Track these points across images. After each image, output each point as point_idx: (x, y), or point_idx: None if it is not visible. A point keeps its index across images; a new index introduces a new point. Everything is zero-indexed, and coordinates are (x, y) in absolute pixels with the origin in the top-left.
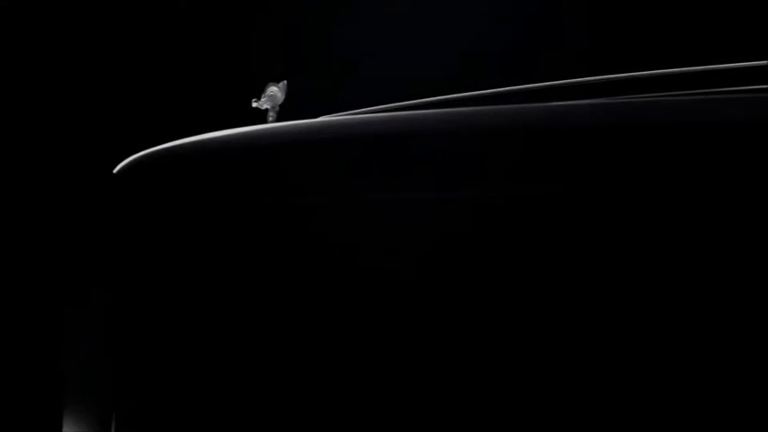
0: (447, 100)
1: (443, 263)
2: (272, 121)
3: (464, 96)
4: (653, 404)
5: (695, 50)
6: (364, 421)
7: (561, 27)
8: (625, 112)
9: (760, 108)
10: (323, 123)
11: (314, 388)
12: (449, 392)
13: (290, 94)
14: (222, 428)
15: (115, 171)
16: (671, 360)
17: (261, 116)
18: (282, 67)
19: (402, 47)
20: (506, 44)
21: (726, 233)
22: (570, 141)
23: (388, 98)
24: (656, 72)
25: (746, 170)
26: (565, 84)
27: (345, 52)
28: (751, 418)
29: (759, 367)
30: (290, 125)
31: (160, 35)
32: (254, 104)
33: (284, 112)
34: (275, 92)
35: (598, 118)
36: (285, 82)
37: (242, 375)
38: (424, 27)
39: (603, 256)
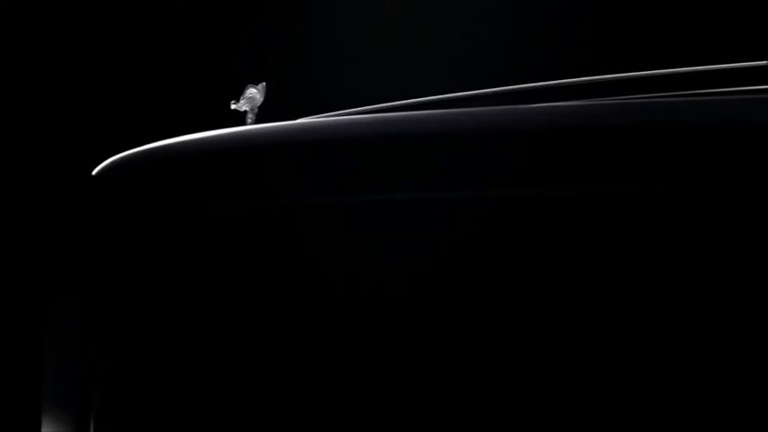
0: (429, 101)
1: (427, 265)
2: (250, 123)
3: (448, 98)
4: (674, 410)
5: (695, 50)
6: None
7: (545, 27)
8: (623, 113)
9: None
10: (302, 125)
11: (291, 392)
12: (439, 402)
13: (268, 95)
14: (201, 428)
15: (94, 173)
16: (690, 360)
17: (239, 118)
18: (262, 69)
19: (383, 49)
20: (485, 45)
21: (729, 235)
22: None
23: (368, 100)
24: (655, 72)
25: (748, 171)
26: (558, 84)
27: (326, 54)
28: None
29: None
30: (269, 127)
31: (138, 38)
32: (233, 106)
33: (263, 114)
34: (254, 94)
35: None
36: (264, 84)
37: (219, 377)
38: (405, 28)
39: (597, 258)
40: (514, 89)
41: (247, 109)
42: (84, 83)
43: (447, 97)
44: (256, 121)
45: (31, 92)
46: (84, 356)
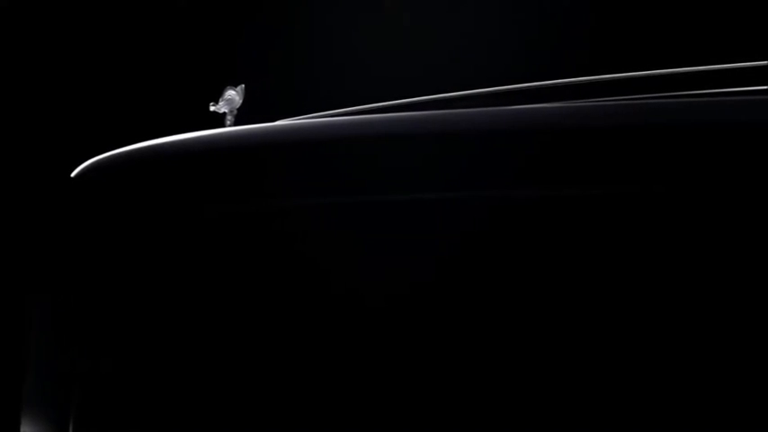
0: (409, 103)
1: (425, 267)
2: (229, 125)
3: (430, 99)
4: (677, 410)
5: (695, 50)
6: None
7: (543, 27)
8: (621, 113)
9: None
10: (281, 127)
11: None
12: (440, 405)
13: (247, 97)
14: (182, 429)
15: (73, 174)
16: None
17: (218, 120)
18: (240, 70)
19: (363, 50)
20: (469, 44)
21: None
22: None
23: (348, 101)
24: (654, 72)
25: (749, 171)
26: (554, 84)
27: (305, 55)
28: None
29: None
30: (248, 129)
31: (118, 40)
32: (212, 108)
33: (242, 116)
34: (233, 95)
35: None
36: (243, 86)
37: (202, 378)
38: (384, 29)
39: (598, 260)
40: (507, 89)
41: (226, 111)
42: (61, 85)
43: (437, 98)
44: (235, 123)
45: (10, 93)
46: (63, 357)
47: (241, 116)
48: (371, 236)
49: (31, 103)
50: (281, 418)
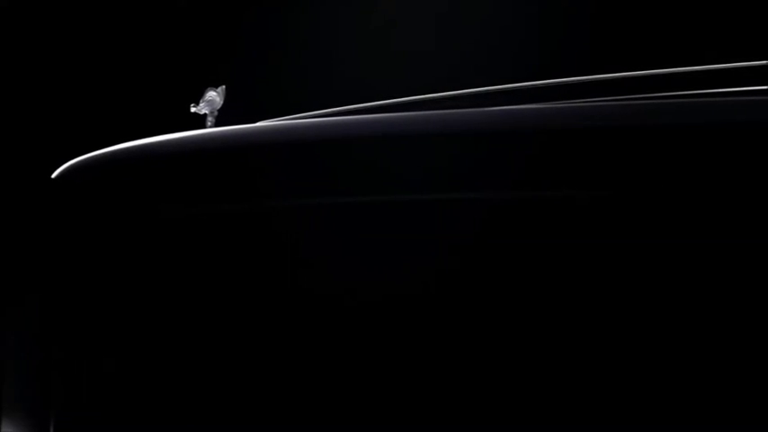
0: (390, 104)
1: (402, 270)
2: (210, 126)
3: (411, 100)
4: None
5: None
6: None
7: (536, 27)
8: (616, 115)
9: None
10: (261, 128)
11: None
12: (434, 407)
13: (228, 98)
14: (159, 426)
15: (53, 176)
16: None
17: (199, 121)
18: (221, 71)
19: (343, 52)
20: (448, 46)
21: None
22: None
23: (328, 103)
24: (654, 72)
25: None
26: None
27: (285, 57)
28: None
29: None
30: (229, 130)
31: (99, 38)
32: (193, 109)
33: (222, 117)
34: (214, 96)
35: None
36: (224, 86)
37: (181, 378)
38: (364, 31)
39: (594, 262)
40: (496, 89)
41: (207, 112)
42: (43, 85)
43: (424, 98)
44: (216, 124)
45: None
46: (43, 357)
47: (222, 117)
48: (357, 237)
49: (10, 104)
50: (263, 419)
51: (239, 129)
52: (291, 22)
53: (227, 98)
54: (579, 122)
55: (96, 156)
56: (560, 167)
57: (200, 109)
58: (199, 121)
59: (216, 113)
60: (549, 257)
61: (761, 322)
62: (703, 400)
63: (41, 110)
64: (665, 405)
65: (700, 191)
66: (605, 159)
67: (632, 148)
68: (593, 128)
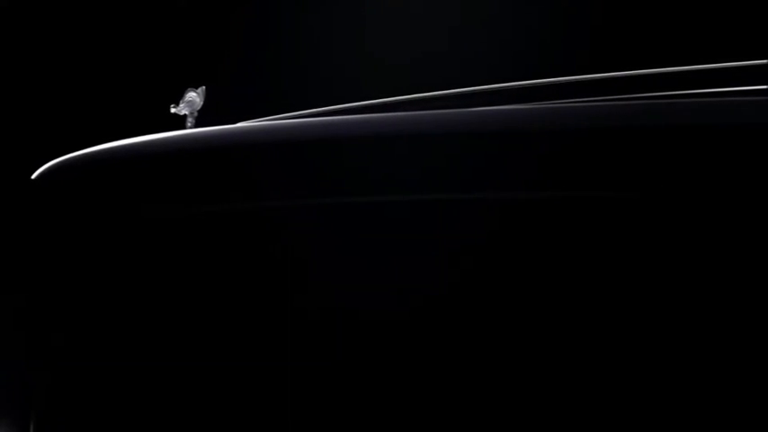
0: (368, 105)
1: (380, 270)
2: (190, 127)
3: (389, 101)
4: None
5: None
6: None
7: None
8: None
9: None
10: (241, 129)
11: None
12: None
13: (208, 99)
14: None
15: (33, 177)
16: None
17: (179, 122)
18: (201, 72)
19: (321, 54)
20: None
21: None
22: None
23: (308, 104)
24: (653, 71)
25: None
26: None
27: (265, 58)
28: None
29: None
30: (209, 131)
31: (79, 40)
32: (173, 110)
33: (202, 118)
34: (194, 97)
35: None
36: (204, 87)
37: (161, 385)
38: (342, 33)
39: (588, 264)
40: (482, 90)
41: (187, 113)
42: (22, 86)
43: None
44: (196, 125)
45: None
46: (23, 360)
47: (202, 118)
48: (340, 238)
49: None
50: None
51: (220, 129)
52: (272, 23)
53: (208, 99)
54: (577, 123)
55: (76, 156)
56: (558, 168)
57: (180, 110)
58: (179, 122)
59: (196, 114)
60: (544, 259)
61: (752, 326)
62: (704, 399)
63: (21, 110)
64: (666, 404)
65: (700, 192)
66: (602, 160)
67: (629, 149)
68: (592, 128)
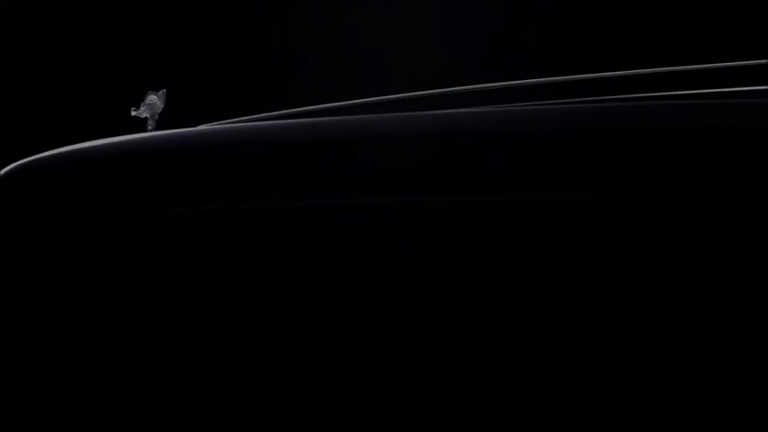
0: (327, 108)
1: (358, 271)
2: (151, 130)
3: (352, 104)
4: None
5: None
6: None
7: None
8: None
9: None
10: (201, 132)
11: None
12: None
13: (169, 102)
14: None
15: None
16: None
17: (140, 125)
18: (163, 75)
19: (287, 55)
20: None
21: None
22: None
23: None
24: (653, 71)
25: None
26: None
27: (227, 61)
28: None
29: None
30: (169, 134)
31: (43, 43)
32: (134, 113)
33: (163, 121)
34: (154, 100)
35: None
36: (164, 90)
37: (128, 383)
38: (307, 35)
39: (571, 265)
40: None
41: (148, 115)
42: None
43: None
44: (156, 128)
45: None
46: None
47: (162, 121)
48: (317, 240)
49: None
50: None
51: (180, 132)
52: (237, 24)
53: (168, 101)
54: (574, 123)
55: (40, 158)
56: (555, 169)
57: (141, 113)
58: (140, 125)
59: (156, 117)
60: (532, 260)
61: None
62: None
63: None
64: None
65: (699, 193)
66: (599, 161)
67: (625, 150)
68: (590, 129)
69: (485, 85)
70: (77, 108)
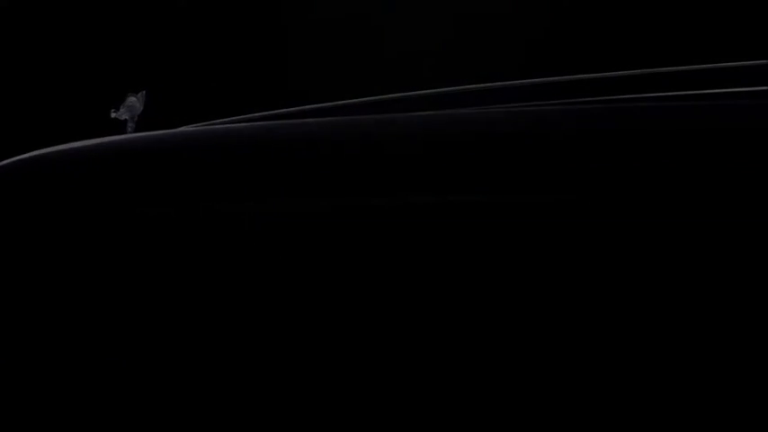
0: (306, 110)
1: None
2: (130, 132)
3: (343, 104)
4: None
5: (695, 50)
6: None
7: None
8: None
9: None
10: (181, 133)
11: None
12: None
13: (148, 104)
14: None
15: None
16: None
17: (120, 126)
18: (142, 77)
19: (266, 58)
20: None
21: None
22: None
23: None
24: (652, 71)
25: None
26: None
27: (206, 63)
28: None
29: None
30: (148, 135)
31: (28, 44)
32: (113, 115)
33: (143, 123)
34: (134, 102)
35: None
36: (144, 92)
37: (114, 387)
38: (286, 36)
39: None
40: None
41: (127, 117)
42: None
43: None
44: (137, 130)
45: None
46: None
47: (143, 122)
48: (330, 240)
49: None
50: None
51: (159, 134)
52: (216, 28)
53: (148, 103)
54: (573, 124)
55: (22, 159)
56: (552, 169)
57: (121, 115)
58: (120, 127)
59: (136, 119)
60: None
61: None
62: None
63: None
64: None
65: (699, 193)
66: (599, 161)
67: (625, 150)
68: (589, 129)
69: (485, 85)
70: (74, 108)
